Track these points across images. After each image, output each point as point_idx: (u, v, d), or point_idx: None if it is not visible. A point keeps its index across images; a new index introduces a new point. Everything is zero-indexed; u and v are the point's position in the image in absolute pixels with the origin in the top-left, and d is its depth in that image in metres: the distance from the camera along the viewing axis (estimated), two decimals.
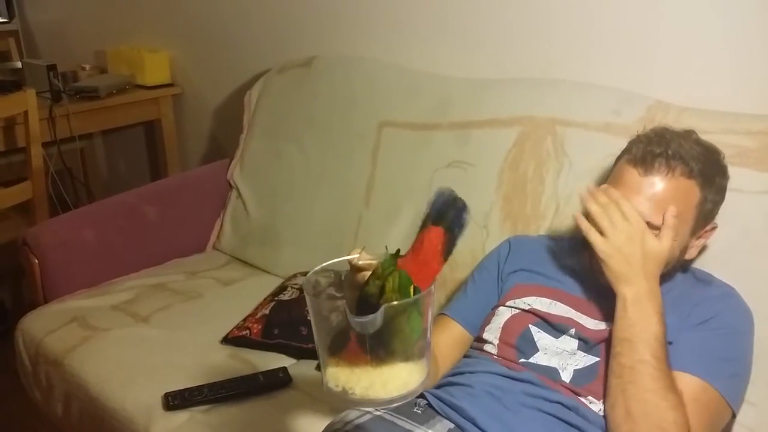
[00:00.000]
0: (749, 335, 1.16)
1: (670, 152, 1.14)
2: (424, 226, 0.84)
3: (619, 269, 1.10)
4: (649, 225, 1.12)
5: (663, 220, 1.12)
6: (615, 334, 1.10)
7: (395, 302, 0.79)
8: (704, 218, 1.18)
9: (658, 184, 1.14)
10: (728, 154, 1.23)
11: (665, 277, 1.20)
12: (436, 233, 0.83)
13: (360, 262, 0.87)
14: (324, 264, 0.89)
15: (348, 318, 0.79)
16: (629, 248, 1.09)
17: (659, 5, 1.50)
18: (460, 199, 0.85)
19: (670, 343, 1.09)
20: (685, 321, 1.14)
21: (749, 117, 1.33)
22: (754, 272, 1.24)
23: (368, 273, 0.84)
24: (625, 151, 1.21)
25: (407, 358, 0.83)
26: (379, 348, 0.81)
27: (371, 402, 0.84)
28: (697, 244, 1.21)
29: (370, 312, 0.78)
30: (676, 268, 1.21)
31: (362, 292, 0.82)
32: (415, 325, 0.81)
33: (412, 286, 0.81)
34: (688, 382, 1.08)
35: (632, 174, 1.16)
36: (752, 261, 1.25)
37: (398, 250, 0.85)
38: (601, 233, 1.11)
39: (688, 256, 1.21)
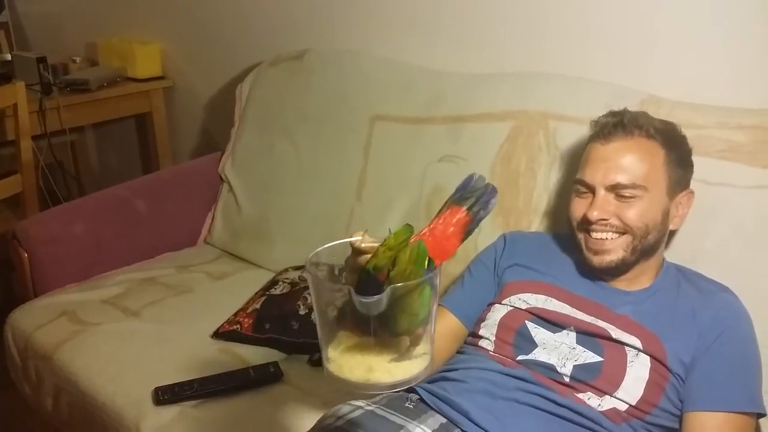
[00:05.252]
0: (754, 336, 1.17)
1: (625, 120, 1.21)
2: (445, 206, 0.84)
3: None
4: (620, 186, 1.17)
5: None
6: None
7: (400, 284, 0.76)
8: (676, 180, 1.21)
9: (619, 147, 1.20)
10: (720, 148, 1.24)
11: (655, 247, 1.21)
12: (456, 212, 0.83)
13: (362, 245, 0.84)
14: (326, 245, 0.86)
15: (353, 298, 0.77)
16: None
17: (654, 0, 1.49)
18: (491, 184, 0.86)
19: (684, 362, 1.12)
20: (695, 328, 1.15)
21: (741, 111, 1.33)
22: (746, 267, 1.24)
23: (370, 256, 0.81)
24: (589, 137, 1.28)
25: (412, 341, 0.81)
26: (383, 330, 0.79)
27: (373, 386, 0.81)
28: (680, 214, 1.23)
29: (375, 286, 0.76)
30: (661, 234, 1.21)
31: (368, 264, 0.78)
32: (425, 302, 0.79)
33: (427, 259, 0.79)
34: (716, 421, 1.09)
35: (595, 148, 1.23)
36: (745, 256, 1.25)
37: (410, 226, 0.82)
38: None
39: (672, 226, 1.23)
